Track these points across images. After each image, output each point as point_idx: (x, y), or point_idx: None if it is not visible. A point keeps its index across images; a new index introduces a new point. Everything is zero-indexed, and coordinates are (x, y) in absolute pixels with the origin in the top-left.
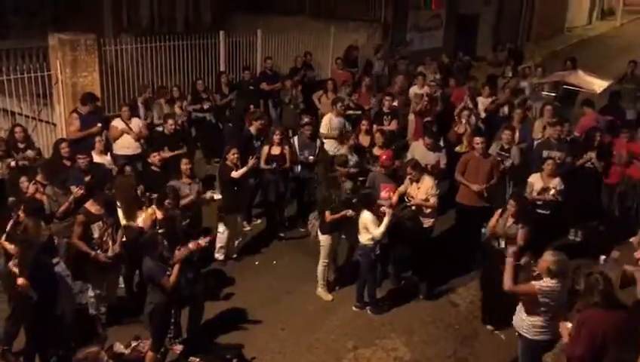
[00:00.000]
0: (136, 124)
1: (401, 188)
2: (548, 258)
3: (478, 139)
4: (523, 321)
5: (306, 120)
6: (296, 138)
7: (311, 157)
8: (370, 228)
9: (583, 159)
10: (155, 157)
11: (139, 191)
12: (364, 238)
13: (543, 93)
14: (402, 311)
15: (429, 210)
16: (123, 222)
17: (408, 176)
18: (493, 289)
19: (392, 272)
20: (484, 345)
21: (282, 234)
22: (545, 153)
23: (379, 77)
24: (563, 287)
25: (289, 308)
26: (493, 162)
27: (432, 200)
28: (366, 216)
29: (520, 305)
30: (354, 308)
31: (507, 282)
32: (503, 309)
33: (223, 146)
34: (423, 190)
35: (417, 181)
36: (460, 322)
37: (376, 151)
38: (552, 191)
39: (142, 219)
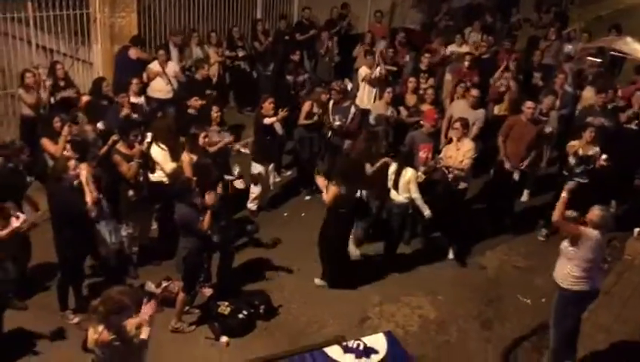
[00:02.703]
0: (171, 67)
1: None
2: (594, 211)
3: (529, 104)
4: (561, 270)
5: (334, 86)
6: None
7: (337, 123)
8: (412, 187)
9: (626, 113)
10: (197, 102)
11: None
12: (402, 196)
13: (589, 58)
14: (429, 270)
15: (462, 173)
16: (169, 163)
17: (453, 132)
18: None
19: (421, 232)
20: (509, 309)
21: (308, 198)
22: (589, 120)
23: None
24: (602, 242)
25: (316, 260)
26: (539, 130)
27: (467, 163)
28: (411, 174)
29: (560, 256)
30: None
31: (556, 215)
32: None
33: (255, 95)
34: (461, 152)
35: (459, 140)
36: (486, 285)
37: (424, 107)
38: (604, 156)
39: (184, 166)
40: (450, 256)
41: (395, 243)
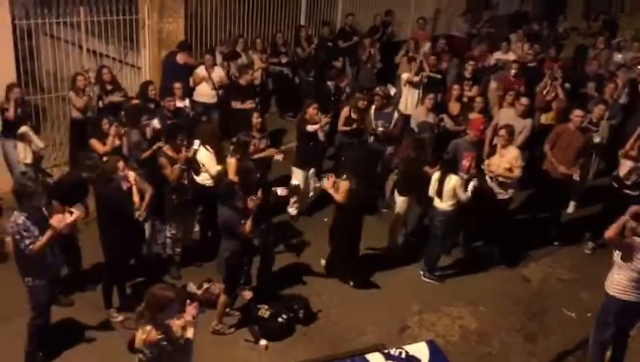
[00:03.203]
0: (217, 73)
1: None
2: None
3: (578, 112)
4: (610, 277)
5: (377, 91)
6: (373, 106)
7: (380, 128)
8: (458, 192)
9: None
10: (250, 104)
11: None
12: (445, 203)
13: (639, 67)
14: (470, 280)
15: (508, 181)
16: (215, 166)
17: (498, 139)
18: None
19: (462, 242)
20: (553, 322)
21: None
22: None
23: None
24: None
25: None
26: (587, 139)
27: (517, 172)
28: (455, 180)
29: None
30: (422, 278)
31: (611, 232)
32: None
33: (298, 101)
34: (506, 160)
35: (503, 147)
36: (530, 297)
37: (472, 116)
38: None
39: (229, 170)
40: (496, 262)
41: (437, 251)
